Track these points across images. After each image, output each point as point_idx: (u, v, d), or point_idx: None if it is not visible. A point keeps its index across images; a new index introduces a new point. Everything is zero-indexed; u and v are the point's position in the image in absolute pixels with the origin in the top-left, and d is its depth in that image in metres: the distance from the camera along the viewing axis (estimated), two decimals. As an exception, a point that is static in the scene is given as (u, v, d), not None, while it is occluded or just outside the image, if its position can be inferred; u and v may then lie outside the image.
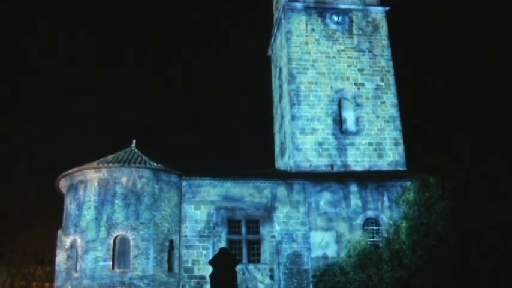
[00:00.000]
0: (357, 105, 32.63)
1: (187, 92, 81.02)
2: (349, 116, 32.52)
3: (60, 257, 27.02)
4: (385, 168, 31.24)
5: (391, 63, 33.90)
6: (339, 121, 32.19)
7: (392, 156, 31.72)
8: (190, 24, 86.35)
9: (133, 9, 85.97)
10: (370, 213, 28.76)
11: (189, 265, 26.90)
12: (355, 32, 34.40)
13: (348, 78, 33.15)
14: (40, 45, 78.76)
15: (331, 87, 32.79)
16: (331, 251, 27.80)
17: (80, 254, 25.93)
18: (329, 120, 32.03)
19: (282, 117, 34.74)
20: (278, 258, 27.42)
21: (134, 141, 29.26)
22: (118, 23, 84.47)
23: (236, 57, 79.11)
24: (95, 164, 27.26)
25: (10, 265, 44.01)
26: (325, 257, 27.65)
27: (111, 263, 25.38)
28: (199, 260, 26.87)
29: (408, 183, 28.60)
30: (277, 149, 36.73)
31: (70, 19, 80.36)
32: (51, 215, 38.27)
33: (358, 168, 31.02)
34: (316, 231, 28.09)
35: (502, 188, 25.20)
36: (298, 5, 34.60)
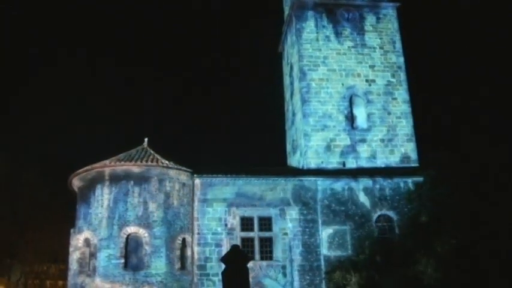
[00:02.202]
0: (368, 101, 32.52)
1: (198, 90, 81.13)
2: (360, 112, 32.42)
3: (73, 256, 27.16)
4: (397, 164, 31.13)
5: (402, 59, 33.77)
6: (350, 118, 32.10)
7: (404, 153, 31.60)
8: (201, 22, 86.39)
9: (144, 9, 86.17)
10: (382, 210, 28.69)
11: (202, 262, 26.98)
12: (365, 28, 34.29)
13: (359, 75, 33.06)
14: (51, 44, 79.14)
15: (342, 84, 32.71)
16: (343, 248, 27.77)
17: (92, 252, 26.08)
18: (340, 117, 31.94)
19: (294, 114, 34.69)
20: (290, 255, 27.43)
21: (146, 139, 29.37)
22: (124, 21, 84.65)
23: (247, 54, 78.96)
24: (107, 162, 27.36)
25: (24, 264, 44.31)
26: (337, 253, 27.62)
27: (123, 260, 25.49)
28: (212, 257, 26.95)
29: (420, 180, 28.48)
30: (288, 146, 36.67)
31: (79, 18, 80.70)
32: (64, 214, 38.48)
33: (370, 165, 30.92)
34: (329, 227, 28.07)
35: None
36: (308, 1, 34.51)
